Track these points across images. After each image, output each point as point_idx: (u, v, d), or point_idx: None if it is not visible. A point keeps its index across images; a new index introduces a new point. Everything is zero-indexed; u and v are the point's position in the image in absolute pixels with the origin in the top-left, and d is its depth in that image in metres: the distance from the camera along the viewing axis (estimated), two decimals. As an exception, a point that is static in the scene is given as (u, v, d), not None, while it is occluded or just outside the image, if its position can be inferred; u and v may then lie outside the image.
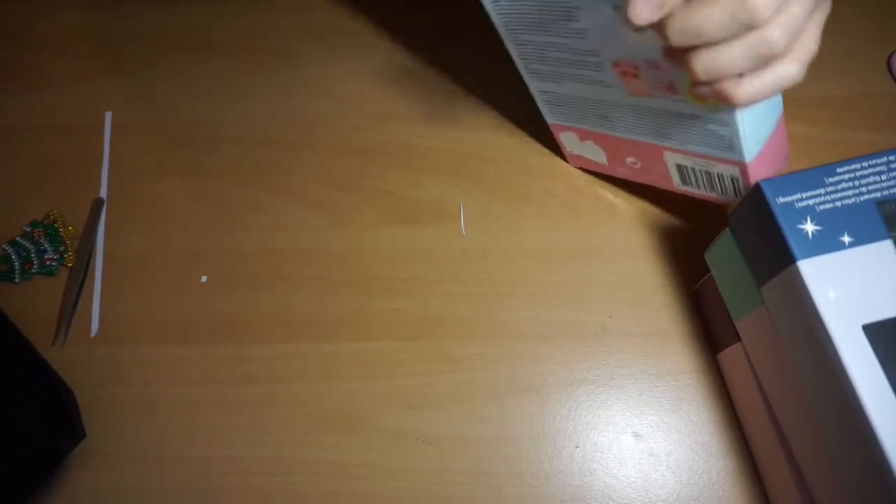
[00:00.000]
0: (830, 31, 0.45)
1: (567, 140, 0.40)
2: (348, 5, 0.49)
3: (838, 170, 0.27)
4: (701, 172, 0.35)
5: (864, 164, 0.27)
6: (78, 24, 0.49)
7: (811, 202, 0.27)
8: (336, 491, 0.36)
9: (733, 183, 0.34)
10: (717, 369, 0.37)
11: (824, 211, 0.26)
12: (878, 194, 0.26)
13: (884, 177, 0.27)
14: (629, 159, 0.38)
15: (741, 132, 0.30)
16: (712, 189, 0.35)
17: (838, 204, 0.27)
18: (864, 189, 0.27)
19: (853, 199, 0.27)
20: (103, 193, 0.44)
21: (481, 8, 0.32)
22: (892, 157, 0.27)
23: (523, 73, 0.36)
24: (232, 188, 0.43)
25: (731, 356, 0.35)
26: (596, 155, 0.39)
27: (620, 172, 0.40)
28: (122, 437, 0.37)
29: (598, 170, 0.41)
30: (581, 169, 0.42)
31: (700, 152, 0.33)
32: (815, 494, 0.29)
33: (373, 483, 0.36)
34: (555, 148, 0.43)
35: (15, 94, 0.47)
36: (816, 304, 0.25)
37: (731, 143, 0.31)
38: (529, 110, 0.44)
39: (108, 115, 0.46)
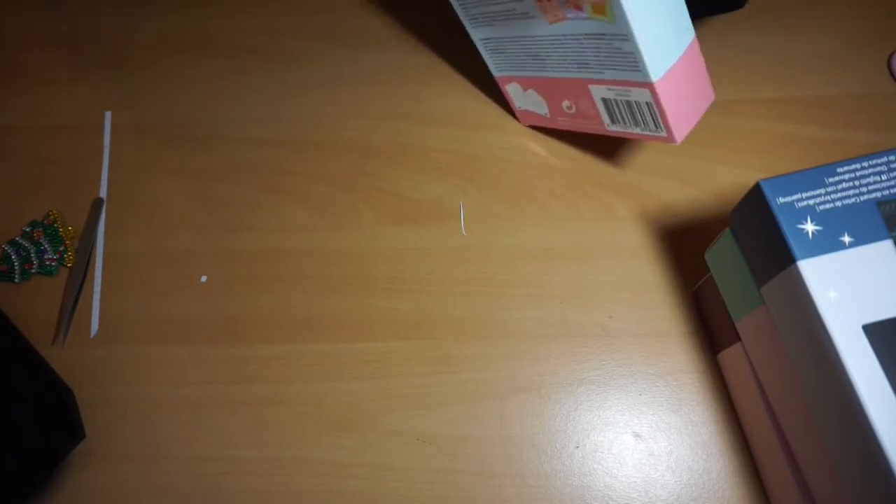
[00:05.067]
0: (830, 30, 0.45)
1: (513, 93, 0.42)
2: (348, 5, 0.49)
3: (838, 170, 0.27)
4: (623, 104, 0.36)
5: (864, 164, 0.27)
6: (78, 25, 0.49)
7: (811, 202, 0.27)
8: (336, 491, 0.36)
9: (650, 110, 0.34)
10: (717, 369, 0.37)
11: (824, 211, 0.26)
12: (879, 194, 0.26)
13: (884, 177, 0.27)
14: (565, 103, 0.39)
15: (640, 45, 0.31)
16: (636, 124, 0.36)
17: (838, 204, 0.27)
18: (864, 189, 0.27)
19: (853, 199, 0.27)
20: (103, 193, 0.44)
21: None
22: (892, 157, 0.27)
23: (466, 23, 0.39)
24: (232, 188, 0.43)
25: (731, 356, 0.35)
26: (538, 106, 0.41)
27: (561, 123, 0.41)
28: (122, 437, 0.37)
29: (542, 124, 0.43)
30: (532, 127, 0.44)
31: (616, 78, 0.34)
32: (815, 494, 0.29)
33: (373, 483, 0.36)
34: (556, 147, 0.43)
35: (15, 94, 0.47)
36: (816, 304, 0.25)
37: (636, 60, 0.32)
38: (529, 110, 0.44)
39: (108, 115, 0.46)
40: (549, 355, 0.38)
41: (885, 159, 0.27)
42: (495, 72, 0.42)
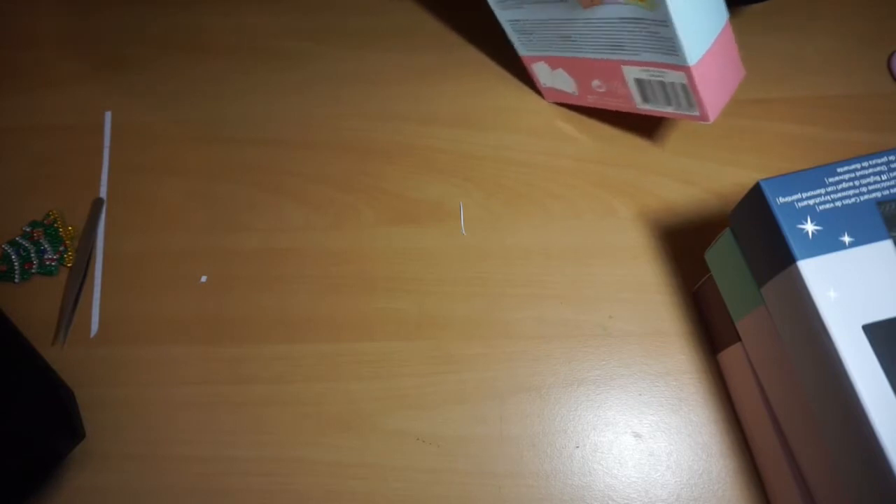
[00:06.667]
0: (830, 31, 0.45)
1: (540, 71, 0.42)
2: (348, 5, 0.49)
3: (838, 170, 0.27)
4: (656, 84, 0.36)
5: (864, 164, 0.27)
6: (78, 24, 0.49)
7: (811, 202, 0.27)
8: (336, 491, 0.36)
9: (685, 91, 0.35)
10: (718, 369, 0.37)
11: (824, 211, 0.26)
12: (879, 194, 0.26)
13: (884, 177, 0.27)
14: (595, 82, 0.39)
15: (678, 31, 0.32)
16: (668, 103, 0.37)
17: (838, 204, 0.27)
18: (864, 189, 0.27)
19: (853, 199, 0.27)
20: (103, 193, 0.44)
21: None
22: (892, 157, 0.27)
23: (493, 5, 0.39)
24: (232, 188, 0.43)
25: (731, 356, 0.35)
26: (566, 84, 0.42)
27: (590, 101, 0.42)
28: (121, 437, 0.37)
29: (569, 101, 0.43)
30: (557, 104, 0.44)
31: (651, 60, 0.35)
32: (815, 494, 0.29)
33: (373, 483, 0.36)
34: (555, 147, 0.43)
35: (15, 94, 0.47)
36: (816, 304, 0.25)
37: (674, 45, 0.33)
38: (529, 110, 0.45)
39: (108, 115, 0.46)
40: (549, 355, 0.38)
41: (885, 159, 0.27)
42: (522, 51, 0.42)
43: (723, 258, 0.33)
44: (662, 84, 0.36)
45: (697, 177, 0.42)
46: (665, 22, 0.32)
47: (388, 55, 0.47)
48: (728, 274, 0.33)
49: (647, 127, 0.43)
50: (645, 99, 0.38)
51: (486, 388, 0.37)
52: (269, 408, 0.38)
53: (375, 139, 0.44)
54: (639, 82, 0.37)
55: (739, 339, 0.33)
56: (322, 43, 0.48)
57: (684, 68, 0.34)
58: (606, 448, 0.36)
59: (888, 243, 0.26)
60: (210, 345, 0.39)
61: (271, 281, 0.41)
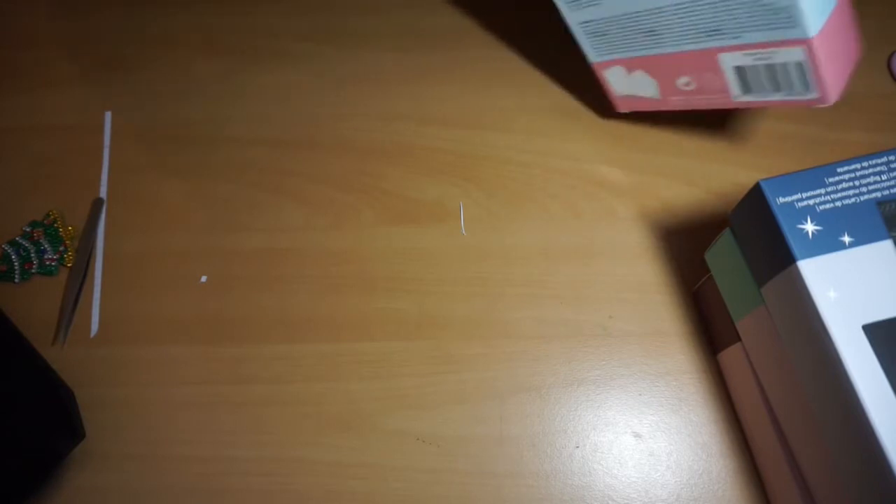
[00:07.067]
0: (830, 31, 0.45)
1: (614, 78, 0.39)
2: (348, 6, 0.49)
3: (838, 170, 0.27)
4: (762, 69, 0.33)
5: (864, 164, 0.27)
6: (78, 25, 0.49)
7: (811, 202, 0.27)
8: (336, 491, 0.36)
9: (800, 71, 0.31)
10: (718, 369, 0.37)
11: (824, 211, 0.26)
12: (878, 194, 0.26)
13: (884, 177, 0.27)
14: (681, 80, 0.36)
15: None
16: (777, 88, 0.33)
17: (838, 204, 0.27)
18: (864, 189, 0.27)
19: (853, 199, 0.27)
20: (103, 193, 0.44)
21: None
22: (892, 157, 0.27)
23: (563, 7, 0.35)
24: (232, 188, 0.43)
25: (731, 356, 0.35)
26: (646, 88, 0.38)
27: (674, 102, 0.38)
28: (121, 437, 0.37)
29: (648, 108, 0.40)
30: (634, 113, 0.41)
31: (758, 41, 0.31)
32: (815, 494, 0.29)
33: (373, 483, 0.36)
34: (555, 147, 0.43)
35: (15, 94, 0.47)
36: (816, 304, 0.25)
37: (791, 14, 0.29)
38: (529, 110, 0.45)
39: (108, 115, 0.46)
40: (549, 355, 0.38)
41: (885, 159, 0.27)
42: (594, 57, 0.39)
43: (723, 258, 0.33)
44: (771, 67, 0.32)
45: (697, 177, 0.42)
46: None
47: (388, 55, 0.47)
48: (728, 274, 0.33)
49: (646, 127, 0.43)
50: (746, 89, 0.35)
51: (486, 388, 0.37)
52: (269, 408, 0.38)
53: (375, 139, 0.44)
54: (739, 70, 0.34)
55: (739, 339, 0.33)
56: (322, 43, 0.48)
57: (803, 42, 0.30)
58: (606, 448, 0.36)
59: (888, 243, 0.26)
60: (210, 345, 0.39)
61: (271, 281, 0.41)
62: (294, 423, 0.37)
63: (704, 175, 0.42)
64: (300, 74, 0.47)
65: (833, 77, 0.31)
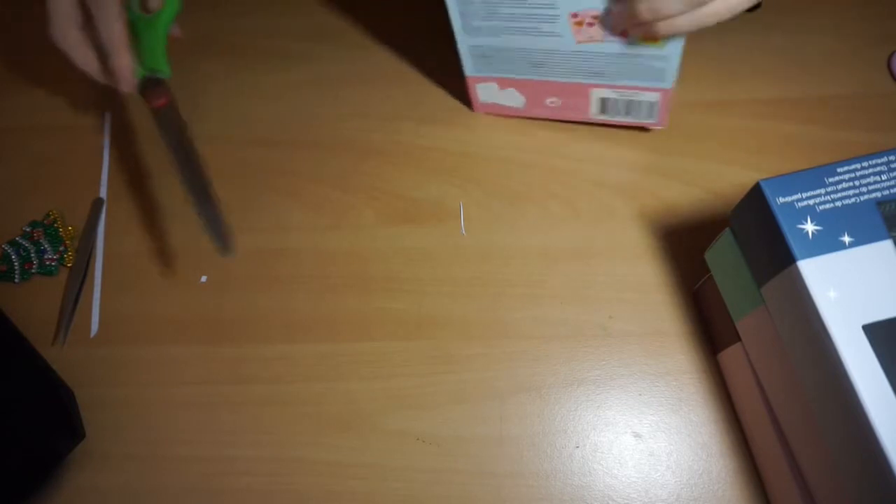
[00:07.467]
0: (830, 30, 0.45)
1: (484, 90, 0.42)
2: (348, 6, 0.49)
3: (838, 170, 0.27)
4: (622, 102, 0.39)
5: (864, 164, 0.27)
6: (78, 24, 0.49)
7: (811, 202, 0.27)
8: (336, 491, 0.36)
9: (650, 107, 0.39)
10: (718, 369, 0.37)
11: (824, 211, 0.26)
12: (878, 194, 0.26)
13: (884, 177, 0.27)
14: (550, 99, 0.41)
15: (675, 63, 0.35)
16: (628, 114, 0.40)
17: (838, 204, 0.27)
18: (864, 189, 0.27)
19: (853, 199, 0.27)
20: (103, 193, 0.44)
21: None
22: (892, 157, 0.27)
23: (458, 30, 0.37)
24: (231, 188, 0.43)
25: (731, 356, 0.35)
26: (513, 100, 0.42)
27: (536, 112, 0.43)
28: (121, 437, 0.37)
29: (509, 114, 0.44)
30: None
31: (630, 85, 0.38)
32: (815, 494, 0.29)
33: (373, 483, 0.36)
34: (555, 147, 0.43)
35: (15, 94, 0.47)
36: (816, 304, 0.25)
37: (663, 74, 0.36)
38: (529, 110, 0.44)
39: (108, 115, 0.46)
40: (549, 355, 0.38)
41: (885, 159, 0.27)
42: (472, 72, 0.41)
43: (723, 258, 0.33)
44: (630, 102, 0.39)
45: (697, 177, 0.42)
46: (667, 57, 0.34)
47: (388, 55, 0.47)
48: (728, 274, 0.33)
49: (646, 127, 0.43)
50: (603, 111, 0.41)
51: (486, 388, 0.37)
52: (268, 408, 0.38)
53: (375, 139, 0.44)
54: (604, 100, 0.40)
55: (739, 339, 0.33)
56: (322, 43, 0.48)
57: (663, 90, 0.37)
58: (606, 448, 0.36)
59: (888, 243, 0.26)
60: (210, 345, 0.39)
61: (271, 281, 0.41)
62: (294, 423, 0.37)
63: (704, 175, 0.42)
64: (300, 74, 0.47)
65: (667, 111, 0.40)
